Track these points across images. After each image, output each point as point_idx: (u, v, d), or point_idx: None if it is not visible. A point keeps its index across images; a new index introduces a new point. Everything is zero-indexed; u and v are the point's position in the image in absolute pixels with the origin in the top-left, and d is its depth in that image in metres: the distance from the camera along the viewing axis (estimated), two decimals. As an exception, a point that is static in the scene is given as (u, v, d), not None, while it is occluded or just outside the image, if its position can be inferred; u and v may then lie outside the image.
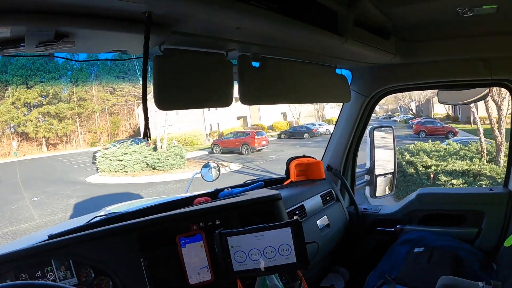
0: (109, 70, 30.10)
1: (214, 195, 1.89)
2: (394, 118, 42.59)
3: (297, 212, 1.79)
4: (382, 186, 2.33)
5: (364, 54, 1.59)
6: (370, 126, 2.26)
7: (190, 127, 26.09)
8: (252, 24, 1.01)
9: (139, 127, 30.65)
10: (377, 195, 2.30)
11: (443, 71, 1.89)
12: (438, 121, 24.63)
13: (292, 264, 1.30)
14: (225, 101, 1.20)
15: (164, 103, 1.01)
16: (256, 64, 1.33)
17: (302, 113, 33.98)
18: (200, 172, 2.48)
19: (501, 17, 1.48)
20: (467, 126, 24.79)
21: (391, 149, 2.31)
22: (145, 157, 17.15)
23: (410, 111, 37.87)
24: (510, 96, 1.74)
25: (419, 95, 36.85)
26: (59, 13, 0.78)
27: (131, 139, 22.69)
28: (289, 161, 2.17)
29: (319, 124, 29.48)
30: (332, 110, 42.82)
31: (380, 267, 1.94)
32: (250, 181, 2.08)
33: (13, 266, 1.26)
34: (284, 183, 2.11)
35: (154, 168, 16.88)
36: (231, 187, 1.94)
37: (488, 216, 1.96)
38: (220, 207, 1.54)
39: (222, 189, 1.92)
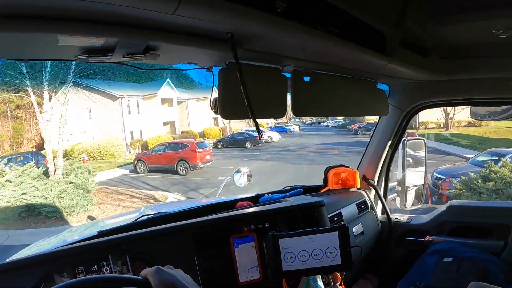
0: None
1: (255, 199, 2.06)
2: (325, 123, 41.89)
3: (335, 218, 1.96)
4: (412, 198, 2.45)
5: (405, 71, 1.71)
6: (404, 139, 2.37)
7: (107, 134, 20.34)
8: (315, 46, 1.15)
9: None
10: (407, 206, 2.42)
11: (477, 88, 2.02)
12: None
13: (337, 265, 1.47)
14: (280, 113, 1.35)
15: (226, 112, 1.15)
16: (307, 78, 1.46)
17: None
18: (233, 177, 2.66)
19: None
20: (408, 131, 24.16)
21: (422, 161, 2.43)
22: (23, 193, 10.20)
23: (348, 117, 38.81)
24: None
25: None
26: (152, 28, 0.88)
27: (25, 154, 16.38)
28: (327, 170, 2.34)
29: (268, 131, 28.28)
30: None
31: (410, 275, 2.09)
32: (289, 187, 2.28)
33: (70, 261, 1.34)
34: (322, 191, 2.29)
35: (38, 214, 9.93)
36: (271, 193, 2.12)
37: None
38: (269, 211, 1.70)
39: (262, 194, 2.09)
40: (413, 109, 2.27)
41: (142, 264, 1.46)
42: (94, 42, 0.89)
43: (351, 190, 2.35)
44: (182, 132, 25.68)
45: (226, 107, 1.15)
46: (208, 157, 16.06)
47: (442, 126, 27.98)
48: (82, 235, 1.77)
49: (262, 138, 23.93)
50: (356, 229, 2.14)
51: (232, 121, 31.14)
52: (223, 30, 0.93)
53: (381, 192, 2.46)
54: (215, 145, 23.16)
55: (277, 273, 1.50)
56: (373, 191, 2.45)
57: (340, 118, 44.66)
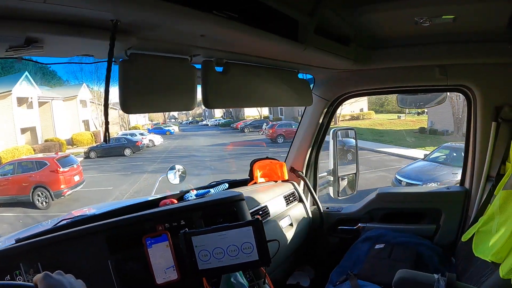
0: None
1: (180, 197, 2.11)
2: (204, 122, 44.08)
3: (260, 212, 2.06)
4: (344, 187, 2.65)
5: (325, 60, 1.83)
6: (333, 129, 2.54)
7: None
8: (215, 32, 1.18)
9: None
10: (340, 195, 2.62)
11: (401, 77, 2.20)
12: (294, 123, 25.99)
13: (255, 261, 1.54)
14: (189, 105, 1.39)
15: (129, 107, 1.17)
16: (219, 69, 1.51)
17: None
18: (166, 175, 2.75)
19: (458, 27, 1.74)
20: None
21: (353, 150, 2.64)
22: None
23: (230, 114, 40.09)
24: (465, 101, 2.19)
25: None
26: (29, 19, 0.88)
27: None
28: (253, 163, 2.44)
29: (141, 134, 25.82)
30: (136, 116, 39.38)
31: (342, 264, 2.23)
32: (215, 182, 2.34)
33: None
34: (248, 185, 2.38)
35: None
36: (196, 189, 2.16)
37: (445, 213, 2.29)
38: (184, 208, 1.77)
39: (188, 191, 2.13)
40: (338, 98, 2.41)
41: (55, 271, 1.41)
42: None
43: (278, 182, 2.46)
44: (46, 141, 22.05)
45: (127, 101, 1.15)
46: (77, 177, 12.31)
47: (356, 117, 30.03)
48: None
49: (142, 143, 22.08)
50: (284, 221, 2.24)
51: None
52: (106, 18, 0.92)
53: (311, 183, 2.60)
54: (87, 155, 20.42)
55: (193, 273, 1.53)
56: (302, 182, 2.59)
57: (218, 116, 44.55)
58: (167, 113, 44.59)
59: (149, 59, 1.21)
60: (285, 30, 1.36)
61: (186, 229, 1.60)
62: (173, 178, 2.72)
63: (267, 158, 2.48)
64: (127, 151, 20.98)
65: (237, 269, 1.59)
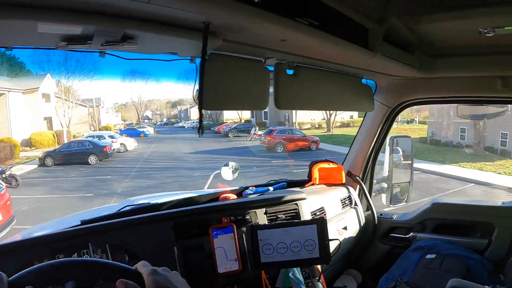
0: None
1: (239, 192, 2.32)
2: (181, 124, 43.36)
3: (317, 213, 2.21)
4: (398, 194, 2.79)
5: (390, 67, 1.95)
6: (390, 136, 2.68)
7: None
8: (295, 38, 1.30)
9: None
10: (392, 203, 2.76)
11: (463, 86, 2.29)
12: (296, 129, 25.75)
13: (315, 258, 1.73)
14: (261, 105, 1.53)
15: (206, 103, 1.29)
16: (290, 71, 1.65)
17: (73, 118, 28.31)
18: (220, 170, 3.01)
19: None
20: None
21: (409, 158, 2.78)
22: None
23: (209, 117, 38.52)
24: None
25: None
26: (128, 17, 1.02)
27: None
28: (312, 164, 2.60)
29: (111, 137, 23.58)
30: (108, 115, 38.36)
31: (392, 271, 2.34)
32: (273, 181, 2.54)
33: (51, 247, 1.57)
34: (306, 185, 2.55)
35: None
36: (255, 186, 2.35)
37: (498, 228, 2.36)
38: (249, 203, 1.97)
39: (247, 187, 2.33)
40: (399, 106, 2.53)
41: (122, 253, 1.65)
42: (72, 30, 1.03)
43: (335, 185, 2.62)
44: None
45: (205, 98, 1.27)
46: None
47: (317, 126, 30.62)
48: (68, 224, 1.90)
49: (112, 149, 20.09)
50: (339, 224, 2.38)
51: (72, 122, 27.71)
52: (199, 20, 1.06)
53: (366, 188, 2.72)
54: (42, 162, 18.32)
55: (256, 265, 1.71)
56: (357, 187, 2.74)
57: (195, 118, 43.38)
58: (141, 113, 44.35)
59: (226, 60, 1.35)
60: (356, 37, 1.48)
61: (253, 222, 1.83)
62: (227, 174, 2.97)
63: (326, 160, 2.64)
64: (92, 159, 18.79)
65: (298, 264, 1.78)
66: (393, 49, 1.74)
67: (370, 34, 1.56)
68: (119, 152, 21.94)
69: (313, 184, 2.57)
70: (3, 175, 13.70)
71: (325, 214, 2.28)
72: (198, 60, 1.34)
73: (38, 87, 24.49)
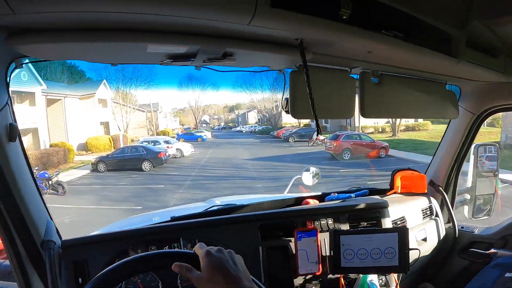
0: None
1: (321, 198, 2.40)
2: (238, 128, 42.64)
3: (398, 222, 2.23)
4: (482, 207, 2.71)
5: (474, 72, 1.91)
6: (475, 144, 2.61)
7: None
8: (381, 49, 1.37)
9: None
10: (475, 215, 2.68)
11: None
12: (363, 134, 23.90)
13: (394, 267, 1.80)
14: (348, 114, 1.60)
15: (296, 112, 1.42)
16: (375, 80, 1.71)
17: (131, 123, 29.15)
18: (301, 176, 3.13)
19: None
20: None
21: (493, 168, 2.69)
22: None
23: (267, 121, 38.74)
24: None
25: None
26: (230, 37, 1.14)
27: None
28: (394, 172, 2.62)
29: (166, 142, 23.42)
30: (166, 119, 38.46)
31: (468, 287, 2.22)
32: (355, 188, 2.59)
33: (145, 239, 1.79)
34: (387, 194, 2.58)
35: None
36: (337, 192, 2.44)
37: None
38: (332, 208, 2.06)
39: (329, 193, 2.42)
40: (485, 112, 2.46)
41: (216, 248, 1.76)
42: (179, 50, 1.19)
43: (417, 194, 2.60)
44: (51, 145, 20.10)
45: (295, 107, 1.42)
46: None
47: (380, 130, 29.01)
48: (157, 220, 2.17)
49: (167, 155, 19.66)
50: (418, 235, 2.38)
51: (131, 126, 28.64)
52: (293, 37, 1.17)
53: (449, 198, 2.66)
54: (95, 167, 18.18)
55: (335, 269, 1.83)
56: (439, 197, 2.68)
57: (252, 122, 43.88)
58: (199, 117, 45.67)
59: (314, 70, 1.40)
60: (440, 45, 1.51)
61: (336, 228, 1.93)
62: (307, 179, 3.09)
63: (408, 168, 2.64)
64: (146, 165, 18.34)
65: (376, 271, 1.85)
66: (477, 54, 1.74)
67: (453, 40, 1.58)
68: (175, 157, 21.51)
69: (395, 193, 2.60)
70: (50, 181, 13.74)
71: (405, 224, 2.30)
72: (286, 71, 1.48)
73: (94, 93, 25.42)
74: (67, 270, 1.68)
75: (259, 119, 44.39)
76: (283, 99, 1.51)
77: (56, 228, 1.73)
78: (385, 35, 1.26)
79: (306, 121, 37.15)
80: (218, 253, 0.96)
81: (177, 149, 22.61)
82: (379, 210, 2.12)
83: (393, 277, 2.05)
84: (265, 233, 1.92)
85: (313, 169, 3.14)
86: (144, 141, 23.65)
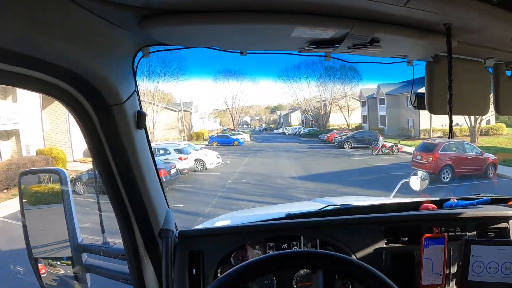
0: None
1: (439, 203, 2.43)
2: (281, 131, 42.03)
3: None
4: None
5: None
6: None
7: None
8: None
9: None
10: None
11: None
12: (469, 145, 18.66)
13: None
14: (483, 110, 1.60)
15: (433, 107, 1.46)
16: (508, 73, 1.69)
17: (160, 123, 29.09)
18: (409, 179, 3.24)
19: None
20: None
21: None
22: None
23: (313, 122, 37.47)
24: None
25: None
26: (380, 21, 1.17)
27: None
28: None
29: (178, 151, 19.78)
30: (203, 120, 37.98)
31: None
32: (475, 195, 2.59)
33: (264, 236, 1.92)
34: (509, 203, 2.54)
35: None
36: (457, 199, 2.45)
37: None
38: (461, 215, 2.06)
39: (448, 199, 2.44)
40: None
41: (330, 250, 1.90)
42: (324, 34, 1.23)
43: None
44: (38, 153, 18.64)
45: (432, 101, 1.46)
46: None
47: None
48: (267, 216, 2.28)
49: (174, 172, 15.73)
50: None
51: (159, 127, 28.52)
52: (441, 21, 1.20)
53: None
54: (73, 184, 13.79)
55: (462, 282, 1.84)
56: None
57: (296, 123, 42.99)
58: (238, 118, 45.70)
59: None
60: None
61: (467, 236, 1.93)
62: (415, 183, 3.20)
63: None
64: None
65: None
66: None
67: None
68: (195, 171, 18.68)
69: None
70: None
71: None
72: (415, 63, 1.56)
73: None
74: (181, 260, 1.85)
75: (302, 120, 44.02)
76: (412, 93, 1.62)
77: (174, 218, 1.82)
78: None
79: (356, 122, 36.40)
80: None
81: (196, 160, 19.38)
82: (508, 220, 2.11)
83: None
84: (390, 237, 1.98)
85: (421, 173, 3.24)
86: (166, 144, 21.27)
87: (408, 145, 24.95)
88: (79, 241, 1.95)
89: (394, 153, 23.32)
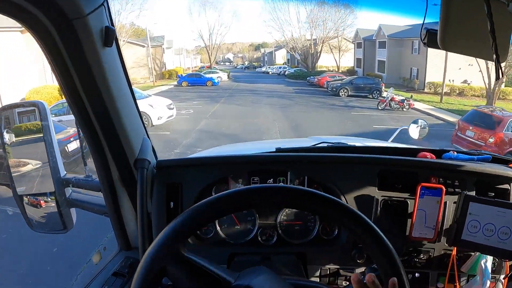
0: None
1: (438, 153, 2.41)
2: (264, 69, 43.24)
3: None
4: None
5: None
6: None
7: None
8: None
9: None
10: None
11: None
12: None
13: None
14: (502, 56, 1.42)
15: (446, 43, 1.43)
16: None
17: (125, 60, 28.37)
18: (408, 127, 3.23)
19: None
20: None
21: None
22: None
23: (301, 61, 37.69)
24: None
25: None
26: None
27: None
28: None
29: (139, 97, 13.58)
30: (179, 57, 39.20)
31: None
32: (475, 151, 2.56)
33: (247, 169, 1.88)
34: (510, 165, 2.49)
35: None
36: (457, 151, 2.41)
37: None
38: (460, 168, 2.02)
39: (447, 151, 2.41)
40: None
41: (319, 188, 1.90)
42: None
43: None
44: None
45: (447, 34, 1.45)
46: None
47: (458, 92, 26.68)
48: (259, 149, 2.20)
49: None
50: None
51: (129, 67, 24.81)
52: None
53: None
54: None
55: (454, 240, 1.85)
56: None
57: (280, 62, 43.71)
58: (216, 55, 44.85)
59: None
60: None
61: (467, 191, 1.88)
62: (414, 132, 3.23)
63: None
64: None
65: (498, 255, 1.86)
66: None
67: None
68: None
69: None
70: None
71: None
72: None
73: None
74: (159, 192, 1.86)
75: (288, 59, 44.07)
76: (422, 28, 1.52)
77: (153, 147, 1.85)
78: None
79: (348, 65, 36.28)
80: None
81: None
82: (511, 183, 2.09)
83: (507, 265, 2.06)
84: (384, 180, 1.96)
85: (421, 121, 3.25)
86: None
87: (416, 100, 22.35)
88: (61, 175, 1.96)
89: (404, 109, 21.12)
